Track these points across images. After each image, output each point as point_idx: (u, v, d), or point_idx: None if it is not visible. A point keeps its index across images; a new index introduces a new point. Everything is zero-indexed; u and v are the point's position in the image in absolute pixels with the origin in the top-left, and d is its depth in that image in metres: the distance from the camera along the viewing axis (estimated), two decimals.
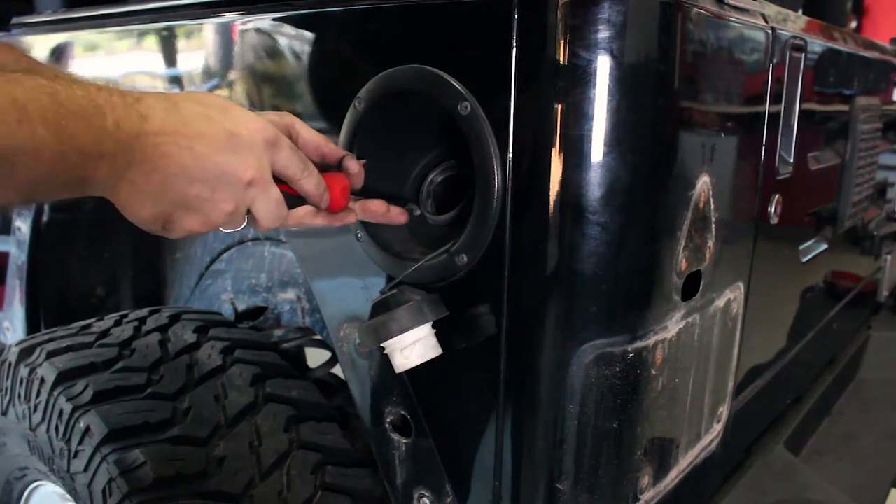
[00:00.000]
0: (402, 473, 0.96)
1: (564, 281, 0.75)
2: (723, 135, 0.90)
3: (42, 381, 1.16)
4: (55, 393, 1.13)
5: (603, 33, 0.69)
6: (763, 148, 1.02)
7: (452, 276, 0.82)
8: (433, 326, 0.81)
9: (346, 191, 0.79)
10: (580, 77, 0.70)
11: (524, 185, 0.75)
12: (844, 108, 1.50)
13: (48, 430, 1.14)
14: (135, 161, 0.61)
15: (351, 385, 1.00)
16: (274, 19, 0.98)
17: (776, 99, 1.05)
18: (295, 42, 0.98)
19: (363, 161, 0.82)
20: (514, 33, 0.72)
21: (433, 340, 0.80)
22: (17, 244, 1.64)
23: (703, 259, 0.88)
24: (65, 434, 1.10)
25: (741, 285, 1.02)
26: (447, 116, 0.78)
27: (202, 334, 1.22)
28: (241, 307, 1.43)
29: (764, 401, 1.28)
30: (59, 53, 1.41)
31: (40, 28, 1.45)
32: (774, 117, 1.05)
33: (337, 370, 1.15)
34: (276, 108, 1.00)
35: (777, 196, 1.09)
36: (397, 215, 0.86)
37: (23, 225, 1.61)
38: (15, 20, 1.56)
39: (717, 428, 1.05)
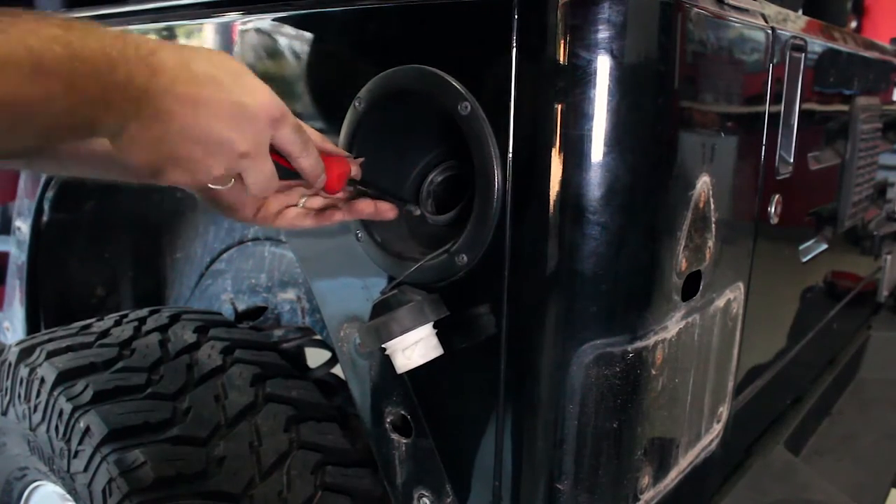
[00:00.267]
0: (402, 473, 0.96)
1: (564, 281, 0.75)
2: (723, 135, 0.90)
3: (42, 381, 1.16)
4: (55, 393, 1.13)
5: (603, 33, 0.70)
6: (763, 148, 1.02)
7: (452, 276, 0.82)
8: (434, 326, 0.81)
9: (343, 176, 0.79)
10: (580, 77, 0.70)
11: (524, 185, 0.75)
12: (844, 108, 1.50)
13: (48, 430, 1.14)
14: (139, 114, 0.62)
15: (351, 385, 1.00)
16: (274, 19, 0.98)
17: (776, 99, 1.05)
18: (295, 42, 0.98)
19: (361, 159, 0.83)
20: (514, 33, 0.72)
21: (434, 340, 0.80)
22: (17, 244, 1.64)
23: (703, 259, 0.88)
24: (65, 434, 1.10)
25: (741, 285, 1.02)
26: (447, 116, 0.78)
27: (202, 334, 1.22)
28: (241, 307, 1.43)
29: (764, 401, 1.28)
30: None
31: None
32: (774, 117, 1.05)
33: (337, 370, 1.15)
34: None
35: (777, 196, 1.09)
36: (386, 211, 0.86)
37: (23, 225, 1.62)
38: None
39: (717, 428, 1.05)
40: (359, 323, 0.95)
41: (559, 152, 0.72)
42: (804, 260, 1.36)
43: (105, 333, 1.24)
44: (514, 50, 0.72)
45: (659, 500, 0.91)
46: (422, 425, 0.91)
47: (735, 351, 1.05)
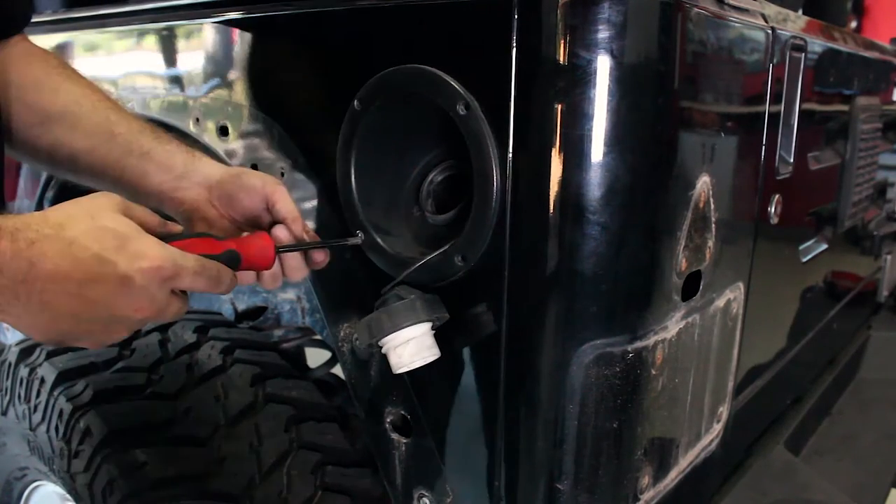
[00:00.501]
0: (402, 473, 0.96)
1: (564, 281, 0.75)
2: (723, 135, 0.90)
3: (42, 381, 1.16)
4: (55, 393, 1.13)
5: (603, 33, 0.69)
6: (763, 148, 1.02)
7: (452, 275, 0.82)
8: (434, 330, 0.81)
9: (264, 249, 0.79)
10: (580, 77, 0.70)
11: (524, 185, 0.75)
12: (844, 108, 1.50)
13: (48, 430, 1.14)
14: (19, 302, 0.62)
15: (351, 385, 1.00)
16: (274, 19, 0.98)
17: (776, 99, 1.05)
18: (295, 42, 0.98)
19: (326, 254, 0.85)
20: (514, 33, 0.72)
21: (429, 341, 0.80)
22: None
23: (703, 259, 0.88)
24: (65, 434, 1.10)
25: (741, 285, 1.02)
26: (446, 116, 0.78)
27: (202, 334, 1.22)
28: (241, 307, 1.43)
29: (764, 401, 1.28)
30: (58, 54, 1.41)
31: (40, 28, 1.45)
32: (774, 117, 1.05)
33: (337, 370, 1.15)
34: (276, 108, 1.00)
35: (777, 196, 1.09)
36: (318, 262, 0.86)
37: None
38: None
39: (717, 428, 1.05)
40: (357, 320, 0.95)
41: (559, 152, 0.72)
42: (804, 260, 1.36)
43: None
44: (514, 50, 0.72)
45: (659, 500, 0.91)
46: (422, 425, 0.91)
47: (735, 351, 1.05)
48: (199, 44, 1.11)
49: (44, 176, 1.56)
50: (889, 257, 2.02)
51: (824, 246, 1.45)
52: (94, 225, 0.65)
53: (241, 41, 1.04)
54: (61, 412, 1.11)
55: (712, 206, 0.87)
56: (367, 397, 0.97)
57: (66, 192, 1.59)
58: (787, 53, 1.05)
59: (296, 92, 0.99)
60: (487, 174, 0.76)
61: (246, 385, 1.13)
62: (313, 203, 0.97)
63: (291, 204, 0.84)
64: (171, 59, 1.17)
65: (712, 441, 1.04)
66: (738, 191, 0.98)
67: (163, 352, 1.18)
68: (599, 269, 0.75)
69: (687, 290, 0.86)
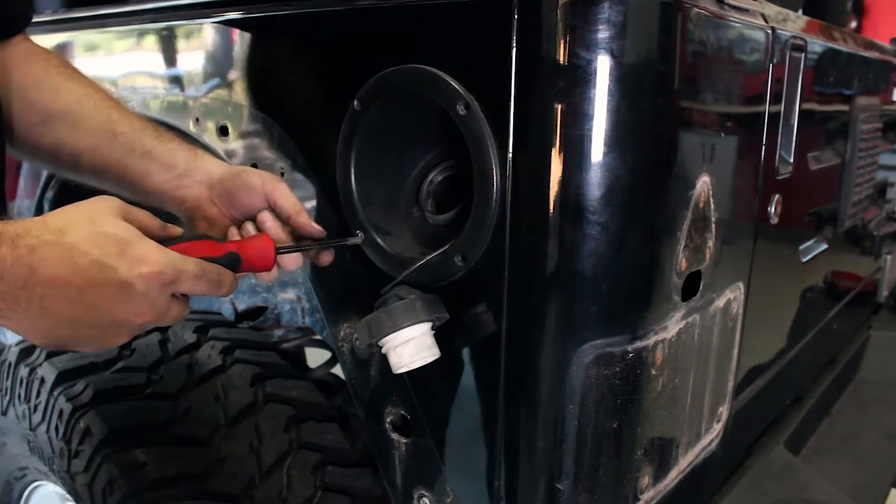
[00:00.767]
0: (402, 473, 0.96)
1: (564, 281, 0.75)
2: (723, 135, 0.90)
3: (42, 381, 1.17)
4: (55, 393, 1.13)
5: (603, 33, 0.69)
6: (763, 148, 1.02)
7: (452, 275, 0.82)
8: (434, 330, 0.81)
9: (264, 250, 0.79)
10: (580, 77, 0.70)
11: (524, 185, 0.75)
12: (844, 108, 1.50)
13: (48, 430, 1.14)
14: (20, 307, 0.63)
15: (351, 385, 1.00)
16: (273, 19, 0.98)
17: (776, 99, 1.05)
18: (295, 42, 0.98)
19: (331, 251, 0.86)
20: (514, 33, 0.72)
21: (429, 341, 0.80)
22: None
23: (703, 259, 0.88)
24: (65, 434, 1.10)
25: (741, 285, 1.02)
26: (447, 116, 0.78)
27: (202, 334, 1.22)
28: (241, 307, 1.43)
29: (764, 401, 1.28)
30: (59, 54, 1.40)
31: (40, 28, 1.45)
32: (774, 117, 1.05)
33: (337, 370, 1.15)
34: (276, 108, 1.00)
35: (777, 196, 1.09)
36: (325, 260, 0.88)
37: None
38: None
39: (717, 428, 1.05)
40: (357, 320, 0.95)
41: (559, 152, 0.72)
42: (804, 260, 1.36)
43: None
44: (514, 50, 0.72)
45: (659, 500, 0.91)
46: (422, 425, 0.91)
47: (735, 351, 1.05)
48: (199, 44, 1.11)
49: (44, 176, 1.56)
50: (889, 257, 2.02)
51: (824, 246, 1.45)
52: (95, 230, 0.65)
53: (241, 41, 1.04)
54: (61, 412, 1.11)
55: (712, 206, 0.87)
56: (367, 397, 0.97)
57: (67, 192, 1.59)
58: (787, 53, 1.05)
59: (296, 92, 0.99)
60: (487, 174, 0.76)
61: (246, 385, 1.13)
62: (313, 203, 0.97)
63: (293, 198, 0.84)
64: (171, 59, 1.17)
65: (712, 441, 1.04)
66: (738, 191, 0.98)
67: (163, 352, 1.18)
68: (599, 269, 0.75)
69: (687, 290, 0.86)
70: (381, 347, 0.80)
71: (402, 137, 0.90)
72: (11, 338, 1.73)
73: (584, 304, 0.76)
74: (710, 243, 0.89)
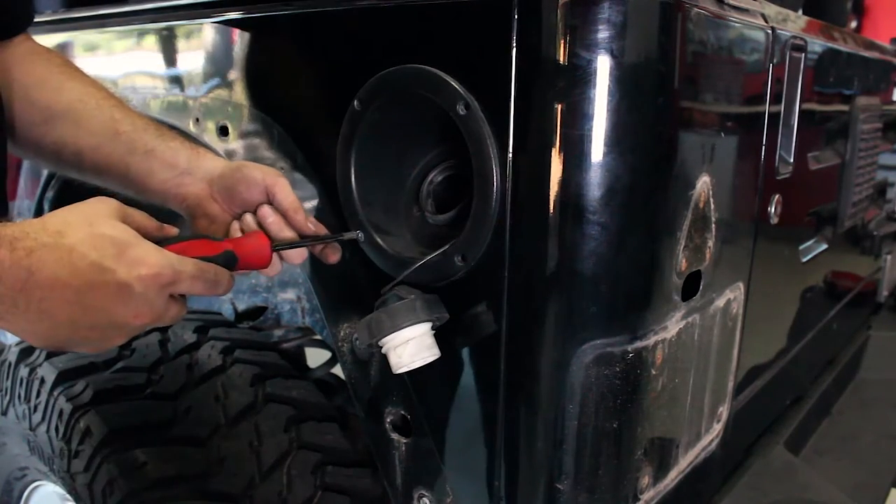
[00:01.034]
0: (402, 473, 0.96)
1: (564, 281, 0.75)
2: (723, 135, 0.90)
3: (42, 381, 1.17)
4: (55, 393, 1.13)
5: (603, 33, 0.69)
6: (763, 148, 1.02)
7: (452, 275, 0.82)
8: (434, 330, 0.81)
9: (260, 248, 0.80)
10: (580, 77, 0.70)
11: (524, 185, 0.75)
12: (844, 108, 1.50)
13: (48, 430, 1.14)
14: (18, 310, 0.63)
15: (351, 385, 1.00)
16: (273, 19, 0.98)
17: (776, 99, 1.05)
18: (295, 42, 0.98)
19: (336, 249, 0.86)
20: (514, 33, 0.72)
21: (429, 341, 0.80)
22: None
23: (703, 259, 0.88)
24: (65, 434, 1.10)
25: (741, 285, 1.02)
26: (447, 116, 0.78)
27: (202, 334, 1.22)
28: (241, 307, 1.43)
29: (764, 401, 1.28)
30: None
31: (40, 28, 1.45)
32: (774, 117, 1.05)
33: (337, 370, 1.15)
34: (276, 108, 1.00)
35: (777, 196, 1.09)
36: (332, 259, 0.88)
37: None
38: None
39: (717, 428, 1.05)
40: (357, 320, 0.95)
41: (559, 152, 0.72)
42: (804, 260, 1.36)
43: None
44: (514, 50, 0.72)
45: (659, 500, 0.91)
46: (422, 425, 0.91)
47: (735, 351, 1.05)
48: (199, 44, 1.11)
49: (44, 175, 1.56)
50: (889, 257, 2.02)
51: (824, 246, 1.45)
52: (93, 232, 0.65)
53: (241, 41, 1.04)
54: (61, 412, 1.11)
55: (712, 206, 0.87)
56: (367, 397, 0.97)
57: (67, 192, 1.59)
58: (787, 53, 1.05)
59: (296, 92, 0.99)
60: (487, 174, 0.76)
61: (246, 385, 1.13)
62: (313, 203, 0.97)
63: (292, 195, 0.84)
64: (171, 59, 1.17)
65: (712, 441, 1.04)
66: (738, 191, 0.98)
67: (163, 352, 1.18)
68: (599, 269, 0.75)
69: (687, 290, 0.86)
70: (381, 347, 0.80)
71: (402, 137, 0.90)
72: (11, 338, 1.73)
73: (584, 304, 0.76)
74: (710, 243, 0.89)
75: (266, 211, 0.84)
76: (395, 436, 0.95)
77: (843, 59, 1.44)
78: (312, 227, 0.85)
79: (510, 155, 0.75)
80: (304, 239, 0.85)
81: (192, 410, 1.09)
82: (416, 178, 0.92)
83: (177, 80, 1.16)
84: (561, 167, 0.72)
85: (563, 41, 0.70)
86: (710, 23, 0.82)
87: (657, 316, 0.81)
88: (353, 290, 0.96)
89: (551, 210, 0.73)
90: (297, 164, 0.98)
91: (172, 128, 1.00)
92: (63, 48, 1.40)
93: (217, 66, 1.08)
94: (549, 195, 0.73)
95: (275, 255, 0.82)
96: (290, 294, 1.23)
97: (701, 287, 0.89)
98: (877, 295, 2.08)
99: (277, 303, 1.27)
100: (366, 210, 0.89)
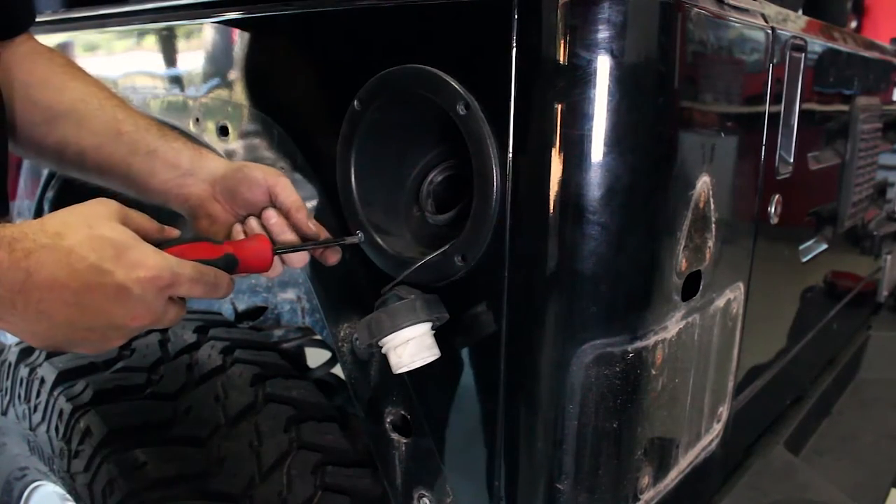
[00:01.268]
0: (402, 473, 0.96)
1: (564, 281, 0.75)
2: (723, 135, 0.90)
3: (42, 381, 1.16)
4: (55, 393, 1.13)
5: (603, 33, 0.69)
6: (763, 148, 1.02)
7: (452, 275, 0.82)
8: (434, 330, 0.81)
9: (261, 251, 0.80)
10: (580, 77, 0.70)
11: (524, 185, 0.75)
12: (844, 108, 1.50)
13: (48, 430, 1.14)
14: (17, 311, 0.63)
15: (351, 385, 1.00)
16: (274, 19, 0.98)
17: (776, 99, 1.05)
18: (295, 42, 0.98)
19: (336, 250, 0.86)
20: (514, 33, 0.72)
21: (429, 341, 0.80)
22: None
23: (703, 259, 0.88)
24: (65, 434, 1.10)
25: (741, 285, 1.02)
26: (447, 116, 0.78)
27: (202, 334, 1.22)
28: (241, 307, 1.43)
29: (764, 401, 1.28)
30: None
31: (40, 28, 1.45)
32: (774, 117, 1.05)
33: (337, 370, 1.15)
34: (276, 108, 1.00)
35: (777, 196, 1.09)
36: (332, 261, 0.88)
37: None
38: None
39: (717, 428, 1.05)
40: (357, 320, 0.95)
41: (559, 152, 0.72)
42: (804, 260, 1.36)
43: None
44: (514, 50, 0.72)
45: (659, 500, 0.91)
46: (422, 425, 0.91)
47: (735, 351, 1.05)
48: (199, 44, 1.11)
49: (44, 175, 1.56)
50: (889, 257, 2.02)
51: (824, 246, 1.45)
52: (92, 234, 0.65)
53: (241, 41, 1.04)
54: (61, 412, 1.11)
55: (712, 206, 0.87)
56: (367, 397, 0.97)
57: (67, 192, 1.59)
58: (787, 53, 1.05)
59: (296, 92, 0.99)
60: (487, 174, 0.76)
61: (246, 385, 1.13)
62: (313, 203, 0.97)
63: (294, 194, 0.84)
64: (171, 59, 1.17)
65: (712, 441, 1.04)
66: (738, 191, 0.98)
67: (163, 352, 1.18)
68: (599, 269, 0.75)
69: (687, 290, 0.86)
70: (381, 347, 0.80)
71: (402, 137, 0.90)
72: (11, 338, 1.73)
73: (584, 304, 0.76)
74: (710, 243, 0.89)
75: (269, 213, 0.84)
76: (395, 436, 0.95)
77: (843, 59, 1.44)
78: (314, 227, 0.85)
79: (510, 155, 0.75)
80: (305, 242, 0.85)
81: (192, 410, 1.09)
82: (416, 178, 0.92)
83: (177, 80, 1.16)
84: (561, 167, 0.72)
85: (563, 41, 0.70)
86: (710, 23, 0.82)
87: (657, 316, 0.81)
88: (353, 290, 0.96)
89: (551, 210, 0.73)
90: (297, 165, 0.98)
91: (173, 128, 1.00)
92: (63, 48, 1.40)
93: (217, 66, 1.08)
94: (549, 195, 0.73)
95: (276, 259, 0.82)
96: (290, 294, 1.23)
97: (701, 287, 0.89)
98: (877, 295, 2.08)
99: (277, 303, 1.27)
100: (366, 210, 0.89)
